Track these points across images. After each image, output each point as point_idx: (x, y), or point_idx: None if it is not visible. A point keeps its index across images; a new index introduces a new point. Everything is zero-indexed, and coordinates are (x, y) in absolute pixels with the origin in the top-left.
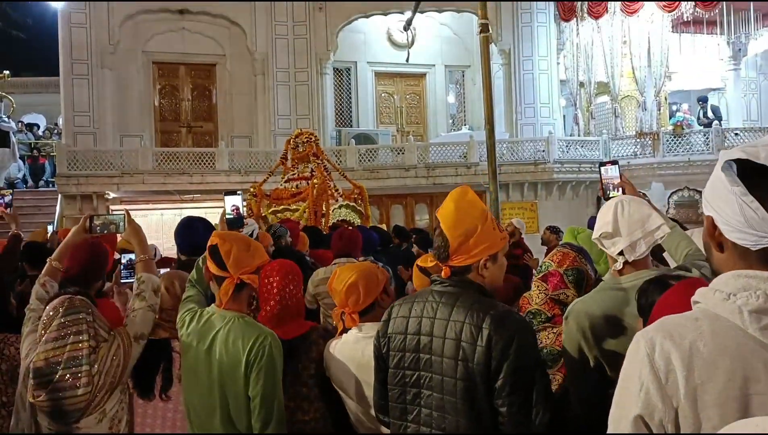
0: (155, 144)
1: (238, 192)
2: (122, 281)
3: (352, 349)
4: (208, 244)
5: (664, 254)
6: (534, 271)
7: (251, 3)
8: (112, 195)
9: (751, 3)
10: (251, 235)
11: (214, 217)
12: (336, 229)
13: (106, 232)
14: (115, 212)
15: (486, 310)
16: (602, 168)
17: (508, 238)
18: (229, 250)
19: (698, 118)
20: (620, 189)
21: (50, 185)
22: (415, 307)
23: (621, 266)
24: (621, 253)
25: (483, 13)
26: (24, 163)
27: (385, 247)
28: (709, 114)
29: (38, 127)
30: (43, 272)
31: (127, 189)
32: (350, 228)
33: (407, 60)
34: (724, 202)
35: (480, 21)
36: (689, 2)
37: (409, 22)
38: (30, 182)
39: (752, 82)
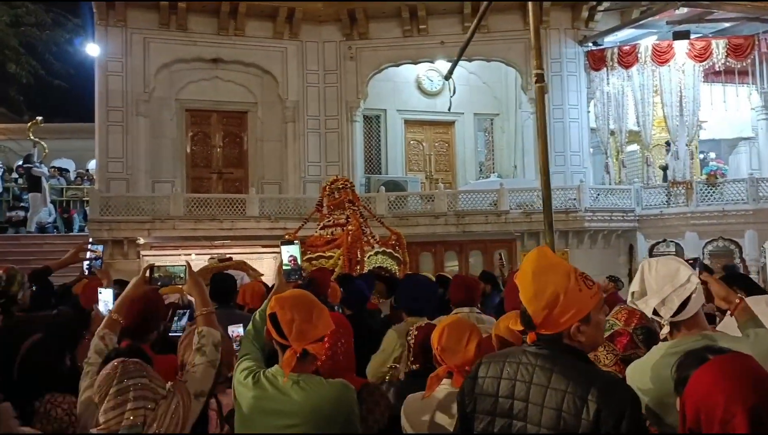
0: (186, 190)
1: (295, 242)
2: (170, 334)
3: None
4: (268, 311)
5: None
6: None
7: (283, 52)
8: (142, 240)
9: None
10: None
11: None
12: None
13: (167, 284)
14: (161, 257)
15: (591, 380)
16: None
17: (600, 293)
18: (291, 321)
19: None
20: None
21: (82, 231)
22: (507, 368)
23: (668, 331)
24: (656, 313)
25: (538, 63)
26: (55, 209)
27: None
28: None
29: (68, 171)
30: (102, 325)
31: (157, 234)
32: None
33: (449, 109)
34: None
35: (535, 71)
36: (721, 52)
37: (450, 71)
38: (61, 230)
39: None
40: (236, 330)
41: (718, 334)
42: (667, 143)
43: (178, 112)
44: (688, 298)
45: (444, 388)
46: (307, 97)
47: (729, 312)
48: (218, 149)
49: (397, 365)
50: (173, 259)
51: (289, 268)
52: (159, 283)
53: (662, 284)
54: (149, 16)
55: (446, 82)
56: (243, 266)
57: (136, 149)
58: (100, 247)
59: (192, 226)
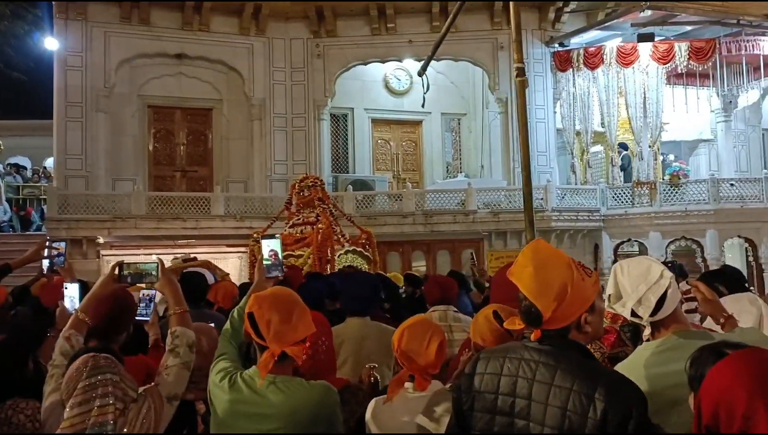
0: (148, 188)
1: (276, 235)
2: (137, 318)
3: (416, 409)
4: (246, 310)
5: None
6: None
7: (249, 48)
8: (102, 240)
9: (744, 56)
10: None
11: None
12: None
13: (137, 282)
14: (122, 256)
15: (596, 377)
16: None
17: (598, 278)
18: (268, 321)
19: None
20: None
21: (39, 230)
22: (507, 364)
23: (650, 332)
24: (634, 315)
25: (519, 57)
26: (10, 208)
27: (394, 295)
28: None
29: (25, 169)
30: (67, 325)
31: (118, 233)
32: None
33: (423, 105)
34: None
35: (516, 65)
36: (683, 55)
37: (424, 68)
38: (17, 229)
39: (741, 134)
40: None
41: (703, 331)
42: (621, 145)
43: (140, 108)
44: (664, 295)
45: (409, 392)
46: (274, 95)
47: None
48: (182, 147)
49: (376, 365)
50: (134, 259)
51: (269, 262)
52: (129, 281)
53: (636, 284)
54: (110, 9)
55: (413, 82)
56: (208, 265)
57: (95, 146)
58: (62, 244)
59: (155, 225)
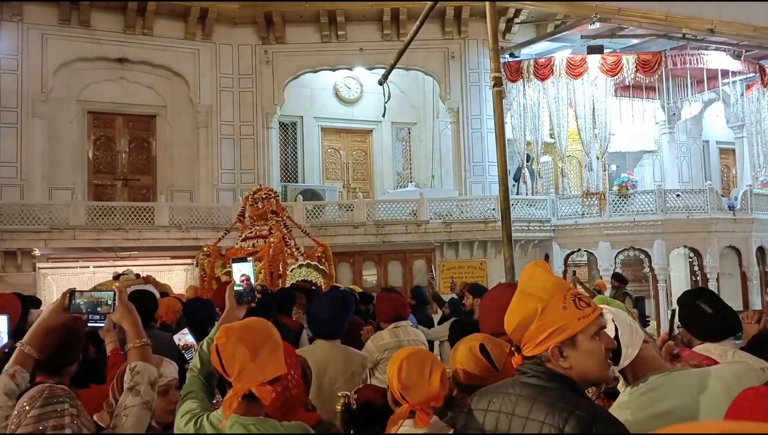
0: (88, 198)
1: (248, 258)
2: (91, 324)
3: None
4: (215, 341)
5: None
6: None
7: (195, 53)
8: (38, 252)
9: (688, 70)
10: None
11: (157, 276)
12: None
13: (91, 311)
14: (59, 269)
15: (571, 410)
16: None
17: (594, 317)
18: (232, 355)
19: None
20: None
21: None
22: (494, 399)
23: (622, 383)
24: None
25: (496, 66)
26: None
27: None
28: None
29: None
30: (11, 360)
31: (56, 245)
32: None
33: (383, 115)
34: None
35: (493, 74)
36: (631, 67)
37: (386, 76)
38: None
39: (683, 145)
40: (184, 338)
41: (680, 370)
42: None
43: (79, 114)
44: (617, 338)
45: (408, 430)
46: (221, 102)
47: None
48: (124, 154)
49: (348, 393)
50: (73, 272)
51: (240, 288)
52: (82, 310)
53: None
54: (48, 11)
55: (363, 90)
56: (147, 280)
57: (31, 153)
58: None
59: (94, 236)
